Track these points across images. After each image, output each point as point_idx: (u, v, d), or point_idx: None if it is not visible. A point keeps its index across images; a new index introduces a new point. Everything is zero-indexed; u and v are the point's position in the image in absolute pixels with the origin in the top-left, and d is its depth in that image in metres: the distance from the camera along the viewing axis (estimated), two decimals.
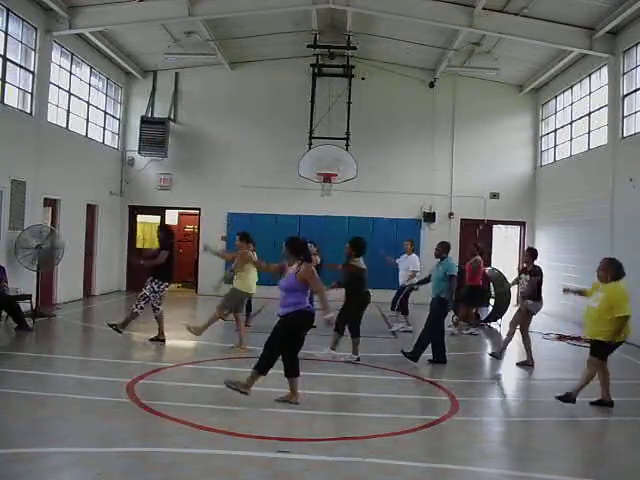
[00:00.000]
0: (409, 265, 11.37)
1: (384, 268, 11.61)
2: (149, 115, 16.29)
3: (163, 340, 9.25)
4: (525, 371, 8.47)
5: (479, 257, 11.66)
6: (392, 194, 16.20)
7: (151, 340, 9.25)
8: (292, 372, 6.13)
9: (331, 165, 13.61)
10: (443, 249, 8.74)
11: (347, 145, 14.57)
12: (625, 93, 11.99)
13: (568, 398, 6.36)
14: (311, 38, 14.74)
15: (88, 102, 14.54)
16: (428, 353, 8.53)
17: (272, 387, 6.45)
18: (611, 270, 6.37)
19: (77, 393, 6.32)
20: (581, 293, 7.00)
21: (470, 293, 11.54)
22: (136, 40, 14.60)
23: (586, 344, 10.05)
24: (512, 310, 12.32)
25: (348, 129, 14.88)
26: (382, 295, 11.99)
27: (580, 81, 14.16)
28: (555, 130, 15.58)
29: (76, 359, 8.21)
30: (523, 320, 8.61)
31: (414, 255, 11.57)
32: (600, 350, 6.38)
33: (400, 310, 11.27)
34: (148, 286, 9.18)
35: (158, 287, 9.21)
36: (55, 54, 12.77)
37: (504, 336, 8.81)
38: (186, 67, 16.33)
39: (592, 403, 6.49)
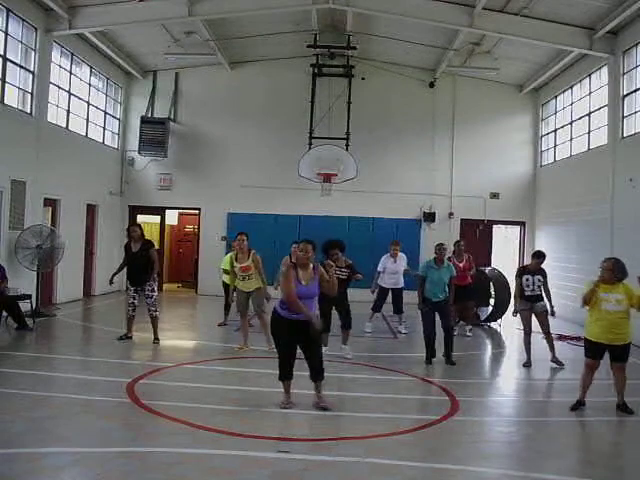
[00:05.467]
0: (403, 265, 11.19)
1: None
2: (149, 115, 16.28)
3: (131, 337, 9.37)
4: (526, 371, 8.47)
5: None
6: (392, 194, 16.19)
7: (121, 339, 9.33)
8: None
9: (331, 165, 13.60)
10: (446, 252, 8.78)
11: (347, 145, 14.55)
12: (625, 93, 11.99)
13: (626, 409, 6.33)
14: (311, 38, 14.73)
15: (88, 102, 14.54)
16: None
17: (272, 388, 6.46)
18: (617, 271, 6.29)
19: (77, 393, 6.31)
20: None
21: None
22: (136, 40, 14.60)
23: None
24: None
25: (348, 129, 14.88)
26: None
27: (580, 81, 14.16)
28: (555, 130, 15.57)
29: (76, 359, 8.20)
30: (527, 321, 8.65)
31: (403, 255, 11.32)
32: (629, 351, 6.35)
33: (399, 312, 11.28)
34: (156, 289, 9.29)
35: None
36: (55, 54, 12.77)
37: (548, 346, 8.75)
38: (186, 67, 16.33)
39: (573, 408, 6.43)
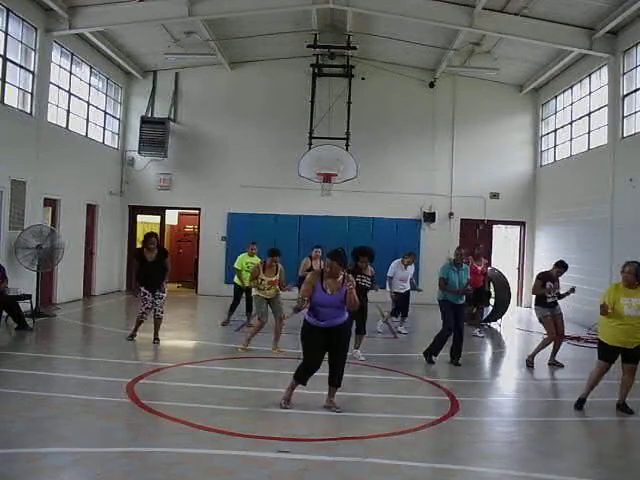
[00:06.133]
0: (411, 273, 11.47)
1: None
2: (149, 115, 16.28)
3: (135, 336, 9.42)
4: (526, 371, 8.48)
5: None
6: (392, 194, 16.18)
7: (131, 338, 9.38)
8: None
9: (331, 165, 13.58)
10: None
11: (347, 145, 14.54)
12: (625, 93, 11.99)
13: (625, 409, 6.33)
14: (311, 38, 14.72)
15: (88, 102, 14.54)
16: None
17: (272, 388, 6.46)
18: None
19: (77, 393, 6.31)
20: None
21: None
22: (136, 40, 14.60)
23: (588, 344, 10.10)
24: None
25: (348, 129, 14.86)
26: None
27: (580, 81, 14.16)
28: (555, 130, 15.57)
29: (76, 359, 8.20)
30: (552, 325, 8.68)
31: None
32: None
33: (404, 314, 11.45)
34: (166, 291, 9.49)
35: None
36: (55, 54, 12.76)
37: (553, 347, 8.79)
38: (186, 67, 16.32)
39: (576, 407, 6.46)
